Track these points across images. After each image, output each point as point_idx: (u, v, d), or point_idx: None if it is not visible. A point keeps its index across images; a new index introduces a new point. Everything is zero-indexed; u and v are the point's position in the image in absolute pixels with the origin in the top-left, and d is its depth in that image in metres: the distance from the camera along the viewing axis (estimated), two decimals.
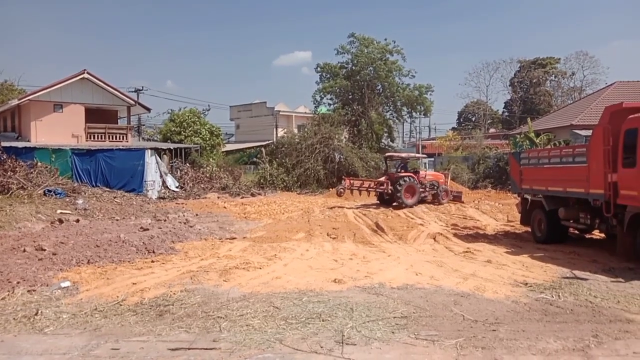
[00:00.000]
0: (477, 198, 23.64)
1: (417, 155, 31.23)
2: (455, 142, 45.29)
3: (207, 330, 5.73)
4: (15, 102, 28.73)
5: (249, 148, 43.42)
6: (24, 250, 10.02)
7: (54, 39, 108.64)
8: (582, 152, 10.56)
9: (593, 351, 5.05)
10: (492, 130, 63.19)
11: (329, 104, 39.74)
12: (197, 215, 18.18)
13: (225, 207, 21.10)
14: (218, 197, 25.85)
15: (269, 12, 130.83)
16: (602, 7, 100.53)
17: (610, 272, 8.53)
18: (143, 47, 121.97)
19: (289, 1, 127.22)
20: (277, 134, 43.19)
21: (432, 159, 37.34)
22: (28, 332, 5.77)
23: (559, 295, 7.10)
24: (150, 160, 26.37)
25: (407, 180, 20.62)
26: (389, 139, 40.97)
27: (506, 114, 69.20)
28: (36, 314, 6.30)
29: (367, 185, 21.65)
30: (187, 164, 30.18)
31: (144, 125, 45.15)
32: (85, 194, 21.32)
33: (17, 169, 19.88)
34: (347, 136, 36.91)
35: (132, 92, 40.87)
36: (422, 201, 21.22)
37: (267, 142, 41.20)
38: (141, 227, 13.78)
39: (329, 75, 39.67)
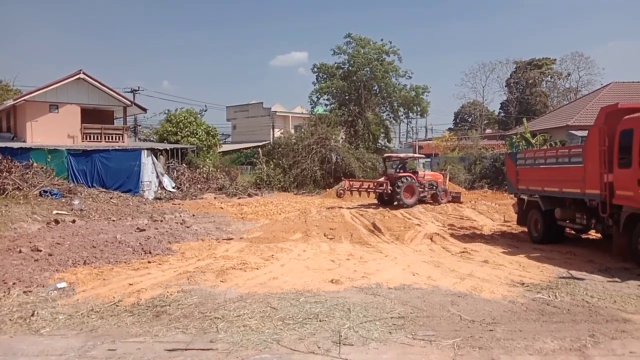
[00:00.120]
0: (474, 198, 23.68)
1: (416, 155, 31.29)
2: (451, 143, 45.37)
3: (204, 331, 5.72)
4: (10, 102, 28.61)
5: (245, 148, 43.40)
6: (20, 251, 9.99)
7: (49, 39, 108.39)
8: (578, 153, 10.59)
9: (590, 351, 5.06)
10: (488, 130, 63.42)
11: (326, 105, 39.79)
12: (193, 215, 18.14)
13: (222, 208, 21.07)
14: (215, 198, 25.81)
15: (265, 13, 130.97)
16: (597, 8, 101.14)
17: (606, 272, 8.56)
18: (139, 47, 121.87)
19: (285, 2, 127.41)
20: (273, 134, 43.18)
21: (429, 160, 37.36)
22: (24, 333, 5.74)
23: (555, 295, 7.11)
24: (147, 160, 26.30)
25: (407, 180, 20.69)
26: (385, 140, 41.08)
27: (502, 114, 69.41)
28: (32, 315, 6.27)
29: (366, 186, 21.74)
30: (184, 165, 30.12)
31: (140, 125, 45.05)
32: (81, 194, 21.25)
33: (12, 169, 19.82)
34: (343, 137, 36.95)
35: (129, 92, 40.85)
36: (421, 201, 21.28)
37: (264, 142, 41.18)
38: (138, 228, 13.75)
39: (325, 76, 39.69)
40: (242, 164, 39.17)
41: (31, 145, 24.95)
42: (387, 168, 23.63)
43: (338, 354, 4.97)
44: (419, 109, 40.39)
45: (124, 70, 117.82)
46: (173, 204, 23.07)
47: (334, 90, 38.62)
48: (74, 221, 15.12)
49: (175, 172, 28.99)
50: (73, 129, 27.77)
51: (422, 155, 33.38)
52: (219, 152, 37.38)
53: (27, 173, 20.41)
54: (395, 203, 20.43)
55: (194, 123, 33.83)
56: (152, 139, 39.56)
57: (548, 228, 11.63)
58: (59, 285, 7.75)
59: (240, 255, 10.45)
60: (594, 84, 57.21)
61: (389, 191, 20.75)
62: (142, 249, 10.73)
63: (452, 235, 13.50)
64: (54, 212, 16.68)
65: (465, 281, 8.02)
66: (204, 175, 29.68)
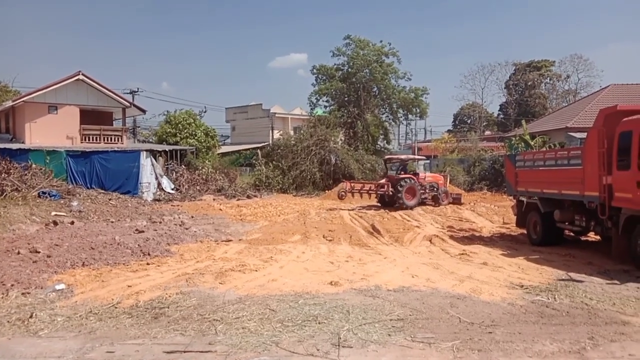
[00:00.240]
0: (473, 200, 23.69)
1: (417, 157, 31.34)
2: (450, 145, 45.38)
3: (202, 333, 5.71)
4: (9, 103, 28.62)
5: (244, 150, 43.40)
6: (18, 253, 9.96)
7: (48, 41, 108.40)
8: (577, 155, 10.60)
9: (589, 353, 5.06)
10: (487, 132, 63.42)
11: (325, 106, 39.79)
12: (192, 217, 18.12)
13: (221, 209, 21.05)
14: (214, 199, 25.78)
15: (264, 14, 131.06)
16: (596, 10, 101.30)
17: (605, 275, 8.56)
18: (138, 48, 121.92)
19: (284, 3, 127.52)
20: (272, 135, 43.18)
21: (428, 161, 37.39)
22: (22, 335, 5.73)
23: (554, 298, 7.11)
24: (146, 162, 26.29)
25: (408, 182, 20.78)
26: (384, 141, 41.07)
27: (501, 116, 69.42)
28: (30, 317, 6.25)
29: (367, 188, 21.82)
30: (183, 166, 30.11)
31: (139, 127, 45.06)
32: (80, 195, 21.24)
33: (11, 170, 19.83)
34: (343, 138, 36.94)
35: (128, 93, 40.87)
36: (422, 203, 21.34)
37: (263, 144, 41.19)
38: (136, 229, 13.72)
39: (324, 78, 39.70)
40: (241, 165, 39.16)
41: (30, 146, 24.92)
42: (388, 170, 23.68)
43: (337, 356, 4.97)
44: (418, 110, 40.42)
45: (123, 71, 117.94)
46: (172, 205, 23.05)
47: (333, 92, 38.64)
48: (72, 222, 15.09)
49: (174, 173, 28.98)
50: (72, 130, 27.75)
51: (423, 157, 33.44)
52: (218, 154, 37.37)
53: (25, 174, 20.42)
54: (397, 204, 20.48)
55: (193, 124, 33.83)
56: (151, 140, 39.53)
57: (547, 230, 11.63)
58: (58, 287, 7.73)
59: (239, 257, 10.44)
60: (593, 86, 57.31)
61: (391, 193, 20.83)
62: (141, 250, 10.71)
63: (451, 237, 13.50)
64: (53, 213, 16.67)
65: (464, 283, 8.02)
66: (203, 177, 29.66)
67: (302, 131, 35.39)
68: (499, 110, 71.19)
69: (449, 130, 64.02)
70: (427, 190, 21.65)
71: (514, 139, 30.00)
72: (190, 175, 29.29)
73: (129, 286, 7.85)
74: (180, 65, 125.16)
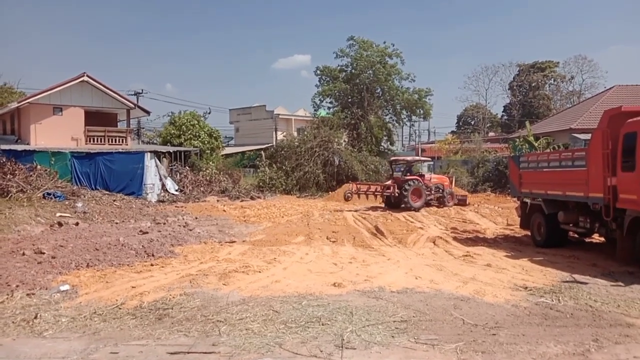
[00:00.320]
0: (477, 202, 23.66)
1: (422, 158, 31.36)
2: (454, 146, 45.32)
3: (206, 334, 5.72)
4: (14, 105, 28.74)
5: (248, 151, 43.45)
6: (23, 254, 10.00)
7: (53, 42, 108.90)
8: (581, 156, 10.57)
9: (593, 355, 5.04)
10: (491, 133, 63.27)
11: (329, 107, 39.83)
12: (196, 218, 18.15)
13: (224, 211, 21.08)
14: (217, 201, 25.82)
15: (268, 16, 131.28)
16: (601, 11, 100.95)
17: (610, 276, 8.53)
18: (142, 50, 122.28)
19: (288, 5, 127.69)
20: (276, 137, 43.22)
21: (432, 163, 37.35)
22: (27, 336, 5.76)
23: (559, 299, 7.09)
24: (150, 163, 26.36)
25: (414, 183, 20.81)
26: (388, 143, 41.05)
27: (505, 117, 69.27)
28: (35, 318, 6.28)
29: (373, 189, 21.87)
30: (187, 167, 30.16)
31: (143, 128, 45.19)
32: (84, 197, 21.30)
33: (16, 172, 19.90)
34: (346, 139, 36.94)
35: (132, 95, 41.01)
36: (427, 204, 21.36)
37: (267, 145, 41.21)
38: (140, 231, 13.76)
39: (328, 79, 39.74)
40: (244, 166, 39.21)
41: (35, 147, 25.03)
42: (394, 171, 23.71)
43: (340, 358, 4.97)
44: (421, 111, 40.40)
45: (127, 73, 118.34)
46: (176, 206, 23.09)
47: (337, 93, 38.66)
48: (77, 224, 15.15)
49: (178, 174, 29.02)
50: (77, 132, 27.88)
51: (428, 159, 33.42)
52: (222, 155, 37.42)
53: (30, 175, 20.50)
54: (403, 206, 20.54)
55: (197, 126, 33.90)
56: (155, 141, 39.65)
57: (551, 232, 11.59)
58: (62, 288, 7.76)
59: (243, 258, 10.45)
60: (597, 87, 57.06)
61: (397, 194, 20.87)
62: (145, 251, 10.73)
63: (454, 238, 13.48)
64: (57, 214, 16.73)
65: (468, 285, 8.00)
66: (207, 178, 29.70)
67: (305, 132, 35.40)
68: (502, 112, 71.09)
69: (452, 132, 63.98)
70: (432, 192, 21.69)
71: (517, 140, 29.85)
72: (194, 177, 29.34)
73: (133, 287, 7.87)
74: (184, 67, 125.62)
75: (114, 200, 22.25)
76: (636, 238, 8.92)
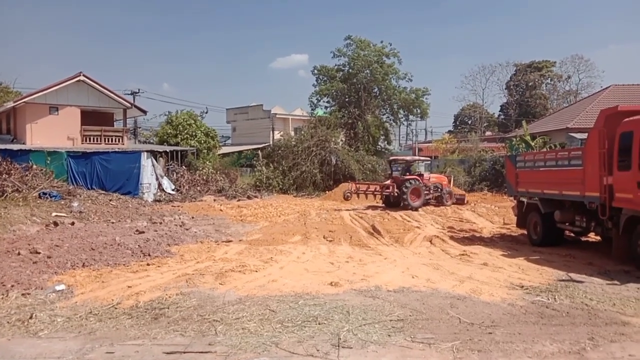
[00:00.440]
0: (474, 201, 23.70)
1: (422, 158, 31.44)
2: (451, 145, 45.39)
3: (202, 333, 5.71)
4: (10, 104, 28.65)
5: (245, 150, 43.42)
6: (19, 254, 9.96)
7: (49, 42, 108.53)
8: (577, 155, 10.59)
9: (589, 354, 5.05)
10: (488, 133, 63.42)
11: (326, 107, 39.78)
12: (193, 218, 18.12)
13: (221, 210, 21.06)
14: (214, 200, 25.79)
15: (265, 15, 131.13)
16: (597, 10, 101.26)
17: (605, 275, 8.55)
18: (139, 49, 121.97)
19: (285, 4, 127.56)
20: (273, 136, 43.21)
21: (429, 162, 37.41)
22: (22, 336, 5.73)
23: (554, 298, 7.11)
24: (146, 162, 26.30)
25: (413, 183, 20.89)
26: (385, 142, 41.07)
27: (502, 117, 69.42)
28: (30, 318, 6.25)
29: (373, 189, 21.92)
30: (183, 167, 30.12)
31: (140, 127, 45.14)
32: (80, 196, 21.25)
33: (12, 171, 19.83)
34: (343, 139, 36.97)
35: (129, 94, 41.05)
36: (425, 203, 21.40)
37: (264, 144, 41.21)
38: (137, 230, 13.73)
39: (325, 78, 39.70)
40: (241, 166, 39.18)
41: (31, 147, 24.95)
42: (393, 171, 23.77)
43: (337, 357, 4.97)
44: (419, 111, 40.40)
45: (124, 72, 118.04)
46: (172, 206, 23.05)
47: (334, 93, 38.64)
48: (73, 223, 15.10)
49: (174, 174, 28.99)
50: (73, 131, 27.79)
51: (428, 158, 33.52)
52: (219, 154, 37.38)
53: (26, 175, 20.42)
54: (402, 205, 20.60)
55: (194, 125, 33.85)
56: (151, 141, 39.56)
57: (547, 230, 11.62)
58: (58, 288, 7.73)
59: (240, 257, 10.44)
60: (594, 87, 57.30)
61: (396, 194, 20.91)
62: (141, 251, 10.71)
63: (451, 237, 13.49)
64: (53, 214, 16.68)
65: (464, 284, 8.02)
66: (204, 178, 29.66)
67: (302, 132, 35.40)
68: (499, 111, 71.28)
69: (449, 131, 64.03)
70: (431, 191, 21.78)
71: (514, 139, 29.99)
72: (190, 176, 29.30)
73: (129, 287, 7.85)
74: (181, 66, 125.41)
75: (110, 200, 22.19)
76: (632, 237, 8.95)
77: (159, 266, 9.53)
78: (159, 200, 25.01)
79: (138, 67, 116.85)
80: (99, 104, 29.19)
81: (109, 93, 29.44)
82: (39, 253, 10.00)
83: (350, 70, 38.30)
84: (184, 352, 5.12)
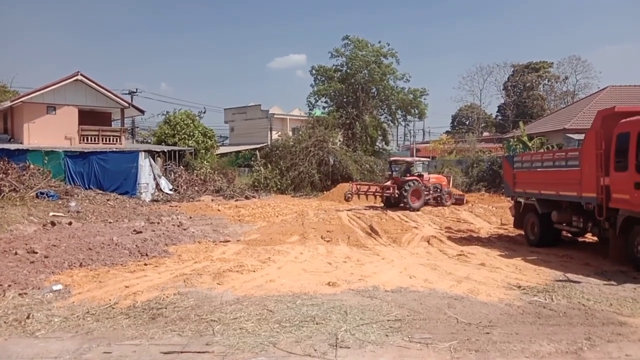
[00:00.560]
0: (471, 201, 23.74)
1: (422, 159, 31.50)
2: (449, 146, 45.46)
3: (200, 333, 5.70)
4: (8, 103, 28.54)
5: (243, 151, 43.38)
6: (16, 253, 9.94)
7: (47, 41, 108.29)
8: (574, 156, 10.62)
9: (586, 354, 5.07)
10: (485, 133, 63.54)
11: (324, 107, 39.83)
12: (190, 218, 18.10)
13: (219, 210, 21.04)
14: (212, 200, 25.75)
15: (263, 15, 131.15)
16: (595, 11, 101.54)
17: (602, 275, 8.58)
18: (137, 49, 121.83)
19: (283, 4, 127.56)
20: (271, 136, 43.19)
21: (427, 162, 37.47)
22: (19, 336, 5.72)
23: (552, 298, 7.12)
24: (144, 162, 26.24)
25: (413, 184, 20.97)
26: (383, 142, 41.11)
27: (500, 117, 69.56)
28: (27, 318, 6.24)
29: (373, 190, 21.97)
30: (181, 167, 30.06)
31: (137, 127, 45.01)
32: (78, 196, 21.19)
33: (9, 171, 19.78)
34: (341, 139, 36.96)
35: (126, 94, 40.86)
36: (425, 204, 21.46)
37: (262, 144, 41.16)
38: (134, 230, 13.71)
39: (323, 78, 39.72)
40: (239, 166, 39.13)
41: (28, 146, 24.88)
42: (393, 172, 23.82)
43: (334, 357, 4.97)
44: (416, 111, 40.47)
45: (122, 72, 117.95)
46: (170, 206, 23.01)
47: (332, 93, 38.66)
48: (70, 223, 15.06)
49: (172, 174, 28.93)
50: (70, 131, 27.72)
51: (428, 159, 33.57)
52: (217, 154, 37.33)
53: (23, 175, 20.37)
54: (402, 205, 20.67)
55: (192, 125, 33.80)
56: (149, 140, 39.49)
57: (545, 231, 11.65)
58: (55, 288, 7.71)
59: (237, 257, 10.43)
60: (591, 88, 57.48)
61: (396, 195, 20.98)
62: (139, 251, 10.69)
63: (449, 238, 13.51)
64: (51, 214, 16.63)
65: (462, 284, 8.03)
66: (201, 178, 29.62)
67: (300, 132, 35.41)
68: (497, 112, 71.45)
69: (447, 132, 64.18)
70: (430, 192, 21.86)
71: (512, 140, 30.02)
72: (188, 176, 29.25)
73: (126, 287, 7.83)
74: (179, 66, 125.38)
75: (108, 200, 22.15)
76: (628, 237, 8.98)
77: (156, 266, 9.51)
78: (157, 200, 24.97)
79: (136, 67, 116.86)
80: (96, 103, 29.12)
81: (106, 92, 29.36)
82: (36, 253, 9.98)
83: (348, 71, 38.33)
84: (182, 352, 5.12)
